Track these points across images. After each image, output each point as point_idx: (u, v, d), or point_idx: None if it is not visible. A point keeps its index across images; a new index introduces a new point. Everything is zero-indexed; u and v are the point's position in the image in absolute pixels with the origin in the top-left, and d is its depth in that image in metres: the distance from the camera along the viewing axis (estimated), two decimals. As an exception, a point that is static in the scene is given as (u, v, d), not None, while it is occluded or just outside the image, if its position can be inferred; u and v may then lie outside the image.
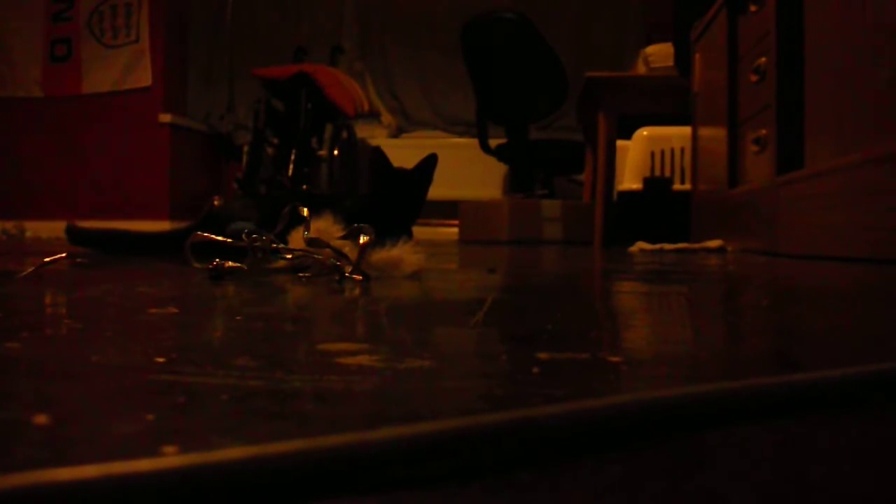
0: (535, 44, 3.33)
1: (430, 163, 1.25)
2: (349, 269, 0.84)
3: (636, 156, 3.18)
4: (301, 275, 0.90)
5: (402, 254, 0.92)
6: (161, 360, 0.35)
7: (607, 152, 2.92)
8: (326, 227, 0.93)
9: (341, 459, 0.18)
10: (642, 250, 2.25)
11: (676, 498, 0.18)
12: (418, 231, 1.30)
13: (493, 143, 3.62)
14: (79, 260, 0.96)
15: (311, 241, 0.88)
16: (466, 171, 4.11)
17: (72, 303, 0.64)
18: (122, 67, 4.33)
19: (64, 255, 0.88)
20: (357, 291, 0.74)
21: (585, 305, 0.69)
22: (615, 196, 3.12)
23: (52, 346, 0.40)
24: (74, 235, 1.39)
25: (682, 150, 3.11)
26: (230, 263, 0.86)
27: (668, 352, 0.41)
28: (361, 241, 0.84)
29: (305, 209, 0.92)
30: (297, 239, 0.94)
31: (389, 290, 0.77)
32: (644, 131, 3.20)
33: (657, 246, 2.30)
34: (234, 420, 0.25)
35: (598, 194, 2.96)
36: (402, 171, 1.25)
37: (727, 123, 2.30)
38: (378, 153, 1.25)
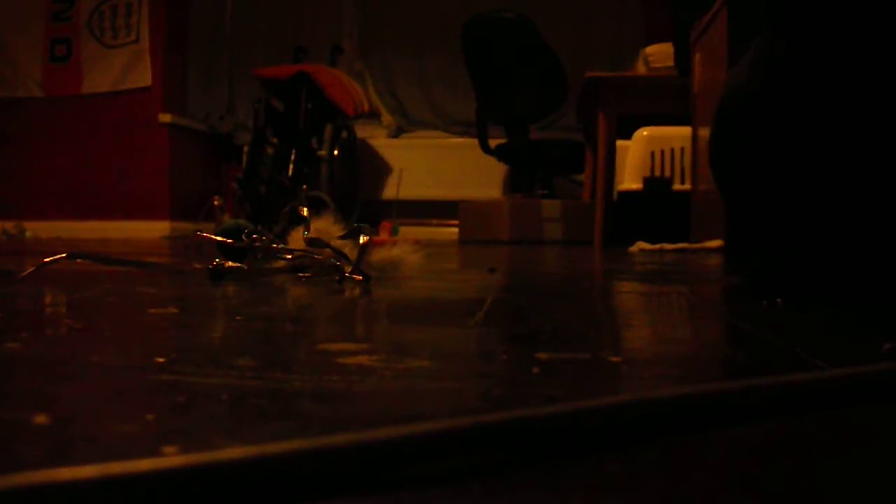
0: (535, 43, 3.33)
1: None
2: (349, 269, 0.84)
3: (636, 156, 3.18)
4: (301, 275, 0.90)
5: (402, 254, 0.92)
6: (161, 360, 0.35)
7: (607, 152, 2.92)
8: (326, 227, 0.93)
9: (341, 459, 0.18)
10: (642, 250, 2.25)
11: (676, 498, 0.18)
12: (418, 231, 1.29)
13: (493, 143, 3.61)
14: (79, 260, 0.96)
15: (311, 241, 0.88)
16: (466, 171, 4.10)
17: (72, 303, 0.64)
18: (122, 67, 4.33)
19: (64, 255, 0.88)
20: (357, 291, 0.74)
21: (585, 305, 0.69)
22: (615, 196, 3.12)
23: (52, 346, 0.40)
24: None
25: (682, 150, 3.11)
26: (230, 263, 0.86)
27: (668, 352, 0.41)
28: (361, 241, 0.84)
29: (305, 209, 0.92)
30: (297, 239, 0.94)
31: (389, 290, 0.77)
32: (644, 131, 3.19)
33: (657, 246, 2.30)
34: (234, 420, 0.25)
35: (598, 194, 2.96)
36: None
37: (727, 123, 2.29)
38: None
